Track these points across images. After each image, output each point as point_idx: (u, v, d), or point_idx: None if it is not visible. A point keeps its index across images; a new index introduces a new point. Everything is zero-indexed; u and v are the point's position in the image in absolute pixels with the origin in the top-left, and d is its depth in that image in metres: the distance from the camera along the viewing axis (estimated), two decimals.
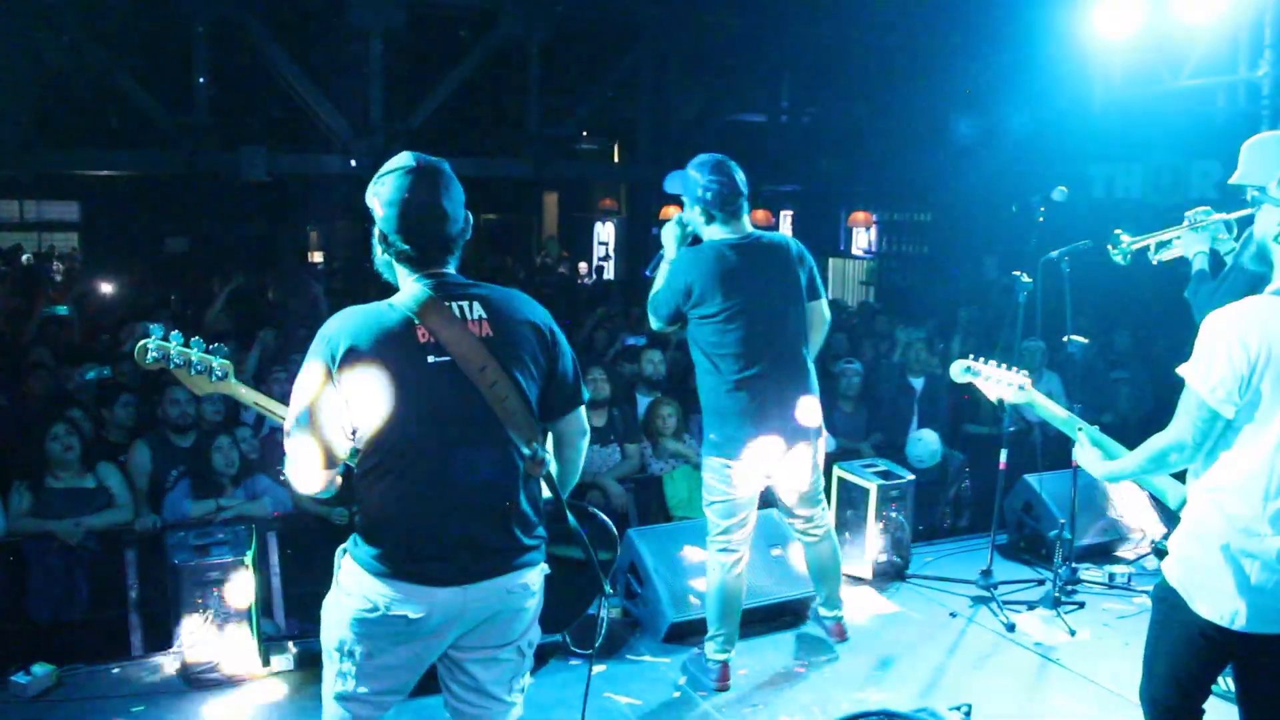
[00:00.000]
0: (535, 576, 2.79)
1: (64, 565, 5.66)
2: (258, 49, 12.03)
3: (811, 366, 4.50)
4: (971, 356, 3.98)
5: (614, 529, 3.14)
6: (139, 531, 5.74)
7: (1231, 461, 2.82)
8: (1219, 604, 2.82)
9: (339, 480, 2.75)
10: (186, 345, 2.98)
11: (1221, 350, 2.76)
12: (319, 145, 12.92)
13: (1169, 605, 2.97)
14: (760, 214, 17.34)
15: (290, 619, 5.70)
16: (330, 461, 2.66)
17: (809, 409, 4.44)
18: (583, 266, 20.98)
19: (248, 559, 4.64)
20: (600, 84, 15.10)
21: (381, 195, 2.70)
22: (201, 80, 11.68)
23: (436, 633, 2.69)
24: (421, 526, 2.65)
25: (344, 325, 2.61)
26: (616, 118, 17.57)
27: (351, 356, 2.55)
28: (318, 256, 25.64)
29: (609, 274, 21.31)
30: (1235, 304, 2.86)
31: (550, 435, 2.90)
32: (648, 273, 4.63)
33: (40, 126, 12.12)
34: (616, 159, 20.61)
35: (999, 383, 3.87)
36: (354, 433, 2.65)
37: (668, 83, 15.30)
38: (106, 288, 11.53)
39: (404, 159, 2.73)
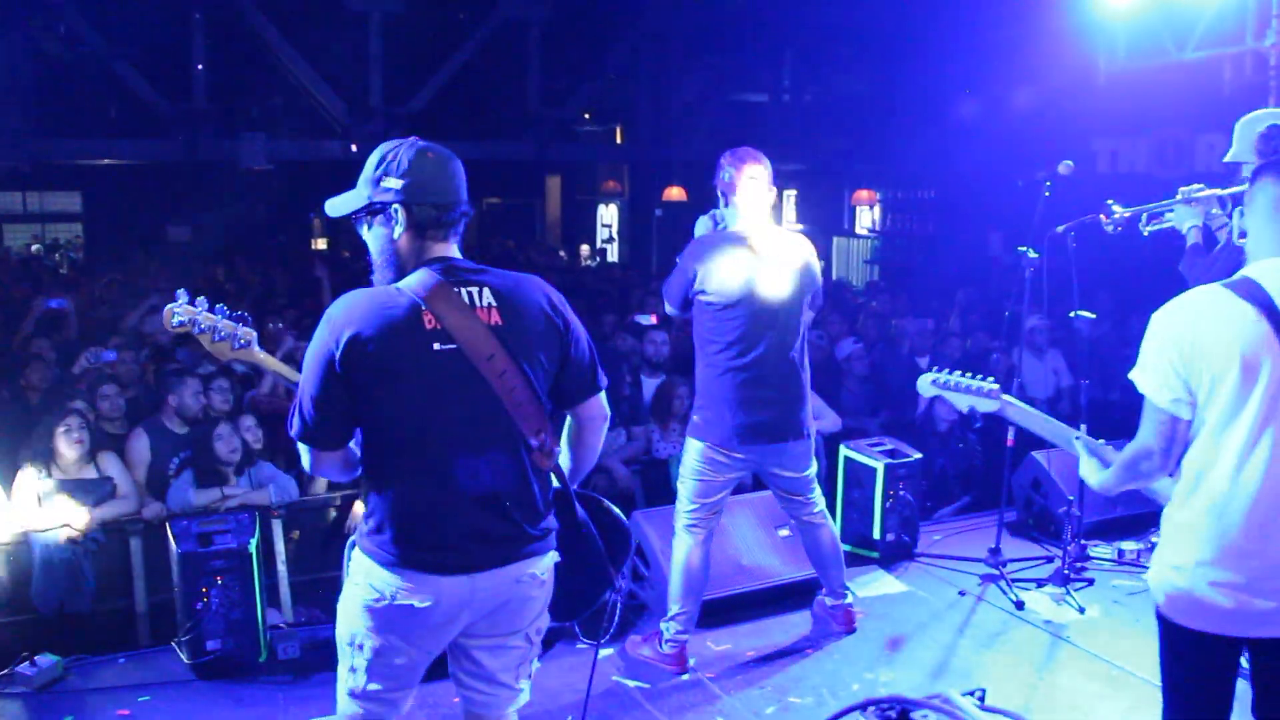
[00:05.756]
0: (544, 566, 2.75)
1: (70, 556, 5.65)
2: (256, 35, 11.97)
3: (804, 363, 4.49)
4: (934, 368, 3.77)
5: (626, 522, 3.10)
6: (144, 521, 5.73)
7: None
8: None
9: (357, 463, 2.71)
10: (211, 311, 2.97)
11: (1153, 349, 2.65)
12: (319, 131, 12.86)
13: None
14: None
15: (297, 607, 5.70)
16: (338, 445, 2.62)
17: (799, 403, 4.44)
18: (584, 249, 20.92)
19: (251, 547, 4.62)
20: (601, 65, 15.01)
21: (394, 167, 2.64)
22: (200, 68, 11.63)
23: (444, 623, 2.65)
24: (427, 515, 2.60)
25: (348, 310, 2.55)
26: (618, 99, 17.47)
27: (356, 342, 2.49)
28: (321, 243, 25.65)
29: (612, 256, 21.25)
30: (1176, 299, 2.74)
31: (568, 421, 2.85)
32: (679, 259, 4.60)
33: (40, 117, 12.07)
34: (619, 140, 20.53)
35: (968, 393, 3.61)
36: (360, 418, 2.60)
37: (669, 63, 15.21)
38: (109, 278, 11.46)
39: (407, 139, 2.70)
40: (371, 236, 2.72)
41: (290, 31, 12.42)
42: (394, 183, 2.64)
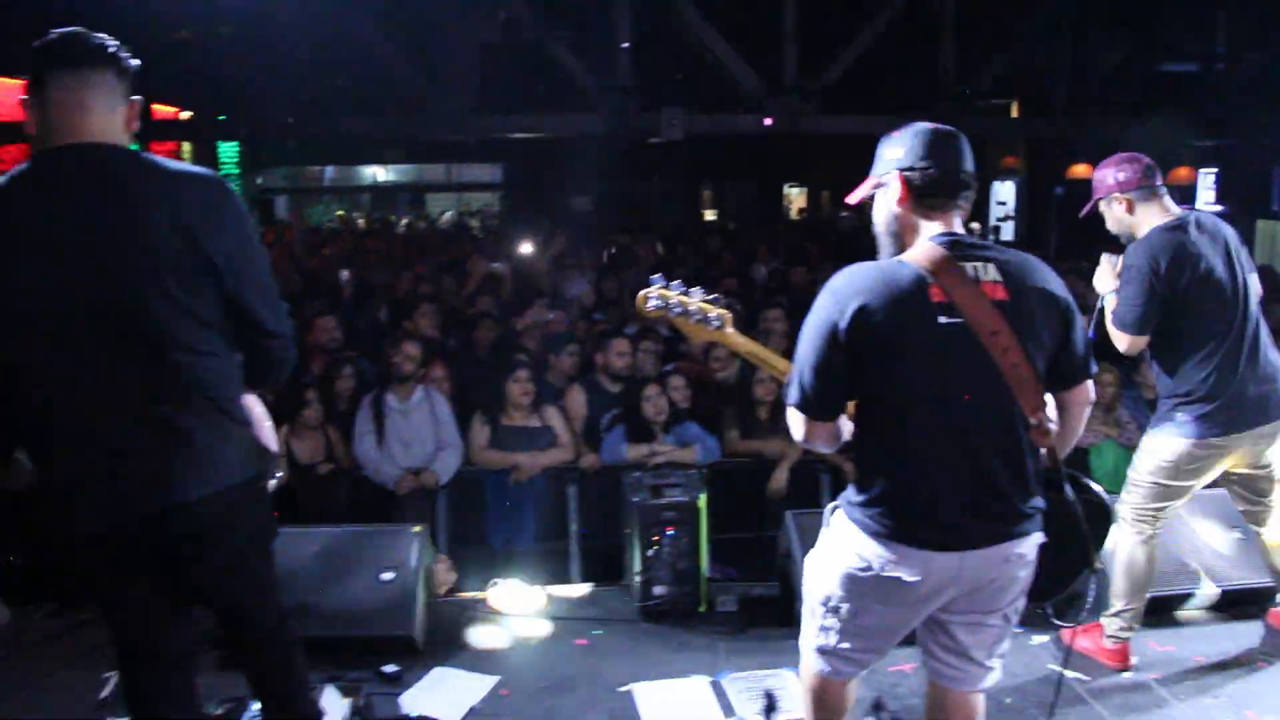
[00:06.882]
0: (1031, 546, 2.70)
1: (516, 497, 6.19)
2: (675, 11, 12.37)
3: (1271, 338, 4.17)
4: None
5: (1108, 503, 3.01)
6: (580, 470, 6.17)
7: None
8: None
9: (845, 434, 2.77)
10: (686, 294, 3.11)
11: None
12: (731, 105, 13.09)
13: None
14: (1183, 171, 15.95)
15: (715, 565, 5.93)
16: (834, 416, 2.69)
17: (1274, 384, 4.11)
18: (975, 227, 20.20)
19: (700, 502, 4.86)
20: (1017, 34, 14.29)
21: (897, 140, 2.73)
22: (625, 45, 12.20)
23: (927, 597, 2.67)
24: (923, 489, 2.61)
25: (854, 281, 2.60)
26: (1025, 70, 16.57)
27: (862, 313, 2.52)
28: (710, 215, 26.45)
29: (1007, 235, 20.41)
30: None
31: (1052, 403, 2.79)
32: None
33: (478, 96, 13.09)
34: (1015, 113, 19.53)
35: None
36: (859, 390, 2.65)
37: (1088, 31, 14.28)
38: (527, 246, 12.29)
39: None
40: (876, 209, 2.79)
41: (707, 6, 12.71)
42: (895, 153, 2.72)
